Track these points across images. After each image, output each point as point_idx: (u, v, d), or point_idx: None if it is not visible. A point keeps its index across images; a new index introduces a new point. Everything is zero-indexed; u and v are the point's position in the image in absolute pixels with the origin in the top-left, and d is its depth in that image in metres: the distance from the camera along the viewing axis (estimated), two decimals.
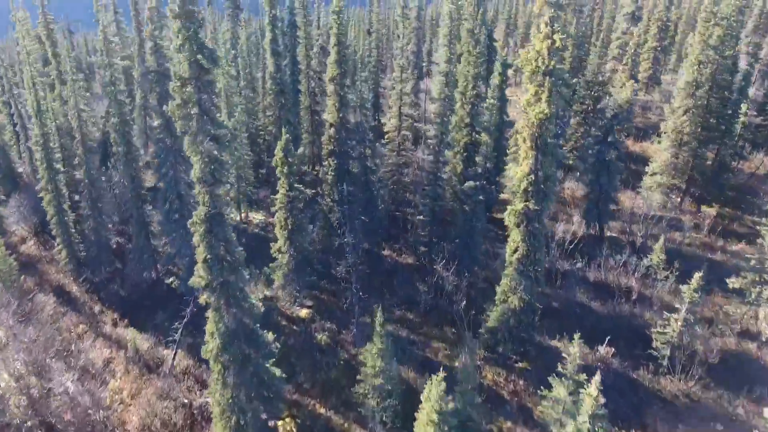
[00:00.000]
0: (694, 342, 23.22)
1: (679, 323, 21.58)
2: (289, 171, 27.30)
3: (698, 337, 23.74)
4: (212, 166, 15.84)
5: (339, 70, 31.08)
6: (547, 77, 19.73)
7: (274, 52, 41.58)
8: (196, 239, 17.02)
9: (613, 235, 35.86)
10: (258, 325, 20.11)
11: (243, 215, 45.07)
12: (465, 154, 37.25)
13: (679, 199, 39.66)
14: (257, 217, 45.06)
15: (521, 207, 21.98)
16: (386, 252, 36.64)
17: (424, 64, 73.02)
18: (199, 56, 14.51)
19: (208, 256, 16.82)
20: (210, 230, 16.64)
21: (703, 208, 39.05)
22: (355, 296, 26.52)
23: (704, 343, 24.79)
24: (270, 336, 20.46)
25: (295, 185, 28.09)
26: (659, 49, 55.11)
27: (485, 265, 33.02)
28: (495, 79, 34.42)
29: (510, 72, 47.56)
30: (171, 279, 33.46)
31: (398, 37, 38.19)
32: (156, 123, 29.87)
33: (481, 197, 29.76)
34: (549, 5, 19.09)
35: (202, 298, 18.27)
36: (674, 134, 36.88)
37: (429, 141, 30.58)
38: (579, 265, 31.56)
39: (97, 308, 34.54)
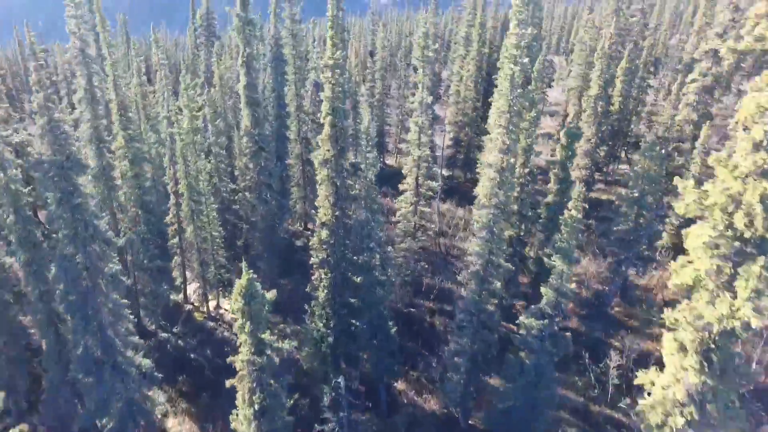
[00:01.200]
0: None
1: None
2: (255, 327, 17.14)
3: None
4: None
5: (334, 150, 21.07)
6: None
7: (250, 102, 31.48)
8: None
9: None
10: None
11: (213, 306, 34.98)
12: (510, 249, 27.23)
13: None
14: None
15: None
16: (401, 385, 26.46)
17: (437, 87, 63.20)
18: None
19: None
20: None
21: None
22: None
23: None
24: None
25: (266, 340, 17.98)
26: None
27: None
28: (559, 157, 24.34)
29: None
30: None
31: (415, 89, 28.17)
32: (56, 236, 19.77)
33: (547, 344, 19.62)
34: None
35: None
36: None
37: (470, 259, 20.42)
38: None
39: None
